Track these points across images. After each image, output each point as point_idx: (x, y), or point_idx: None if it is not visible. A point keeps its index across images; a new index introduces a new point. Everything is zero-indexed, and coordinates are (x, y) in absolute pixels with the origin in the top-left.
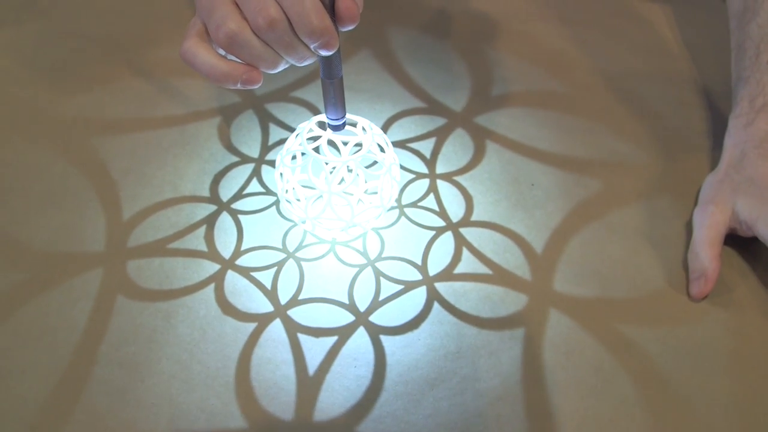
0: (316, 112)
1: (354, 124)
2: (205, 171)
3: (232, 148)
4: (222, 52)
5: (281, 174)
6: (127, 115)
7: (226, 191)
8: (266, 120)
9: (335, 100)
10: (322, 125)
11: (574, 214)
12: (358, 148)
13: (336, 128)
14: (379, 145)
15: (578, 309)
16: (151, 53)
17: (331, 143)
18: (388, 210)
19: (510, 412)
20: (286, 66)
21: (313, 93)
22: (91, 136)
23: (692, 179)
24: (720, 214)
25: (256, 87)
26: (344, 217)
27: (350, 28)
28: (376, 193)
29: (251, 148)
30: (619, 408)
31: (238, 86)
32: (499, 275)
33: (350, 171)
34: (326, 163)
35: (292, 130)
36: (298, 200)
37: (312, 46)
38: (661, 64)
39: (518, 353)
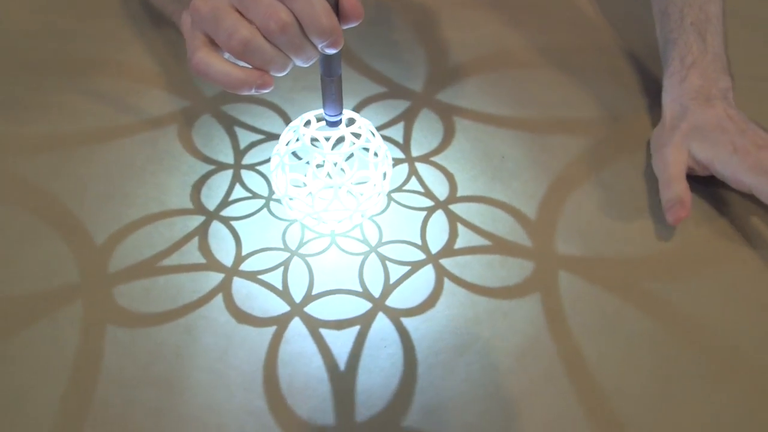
0: (275, 109)
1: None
2: (185, 182)
3: (202, 156)
4: (231, 59)
5: (277, 173)
6: (87, 136)
7: (210, 200)
8: (228, 123)
9: (335, 97)
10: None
11: (547, 178)
12: (342, 142)
13: (334, 124)
14: (371, 132)
15: (582, 266)
16: (91, 51)
17: (314, 139)
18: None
19: (535, 364)
20: (290, 69)
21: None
22: (41, 164)
23: (639, 135)
24: (678, 153)
25: (268, 90)
26: (350, 206)
27: (354, 24)
28: (365, 182)
29: (224, 154)
30: (633, 346)
31: (253, 92)
32: (498, 245)
33: (335, 164)
34: (323, 159)
35: (257, 131)
36: (291, 199)
37: (320, 46)
38: (590, 37)
39: (530, 312)
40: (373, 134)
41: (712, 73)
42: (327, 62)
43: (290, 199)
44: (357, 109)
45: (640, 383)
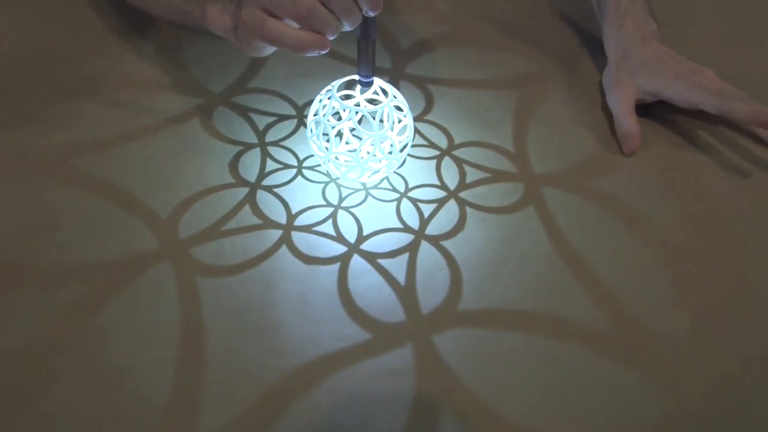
0: (279, 95)
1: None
2: (221, 163)
3: (229, 140)
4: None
5: (318, 135)
6: (115, 135)
7: (249, 174)
8: (242, 111)
9: (370, 59)
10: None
11: (524, 119)
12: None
13: (367, 85)
14: (383, 90)
15: (557, 179)
16: (87, 68)
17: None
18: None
19: (564, 264)
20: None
21: (268, 78)
22: (87, 164)
23: (588, 80)
24: (627, 90)
25: (326, 52)
26: (384, 158)
27: None
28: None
29: (247, 136)
30: (619, 240)
31: (315, 53)
32: (495, 175)
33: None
34: (365, 114)
35: (270, 114)
36: (334, 157)
37: (364, 9)
38: (527, 5)
39: (536, 226)
40: (395, 96)
41: (643, 18)
42: (365, 25)
43: (336, 158)
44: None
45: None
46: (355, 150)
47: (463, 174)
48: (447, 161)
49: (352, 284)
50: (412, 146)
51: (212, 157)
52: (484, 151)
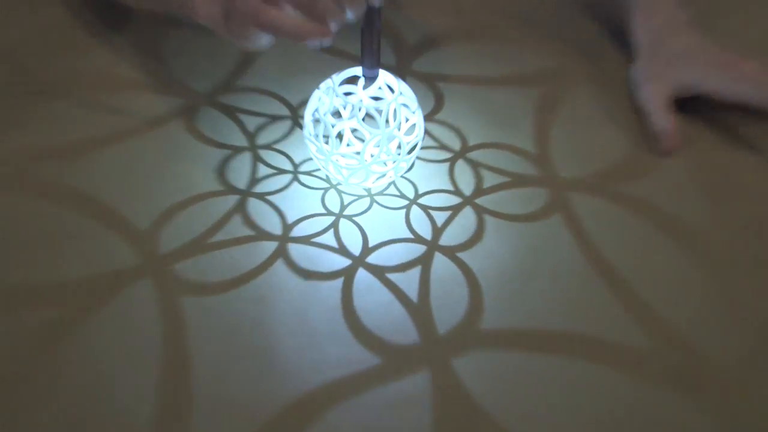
0: (271, 94)
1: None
2: (206, 170)
3: (216, 144)
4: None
5: (316, 135)
6: (86, 141)
7: (238, 181)
8: (230, 112)
9: (373, 50)
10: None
11: (545, 118)
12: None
13: (371, 79)
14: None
15: (586, 184)
16: (56, 67)
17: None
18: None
19: (597, 278)
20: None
21: (258, 76)
22: (61, 170)
23: (615, 75)
24: (662, 86)
25: (328, 42)
26: (391, 159)
27: None
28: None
29: (236, 138)
30: (658, 251)
31: (316, 43)
32: (516, 180)
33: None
34: (376, 109)
35: (261, 115)
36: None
37: None
38: None
39: (569, 232)
40: (402, 92)
41: (675, 4)
42: (369, 14)
43: (339, 157)
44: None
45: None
46: (359, 152)
47: (479, 178)
48: (461, 164)
49: (358, 301)
50: (422, 148)
51: (197, 163)
52: (502, 152)
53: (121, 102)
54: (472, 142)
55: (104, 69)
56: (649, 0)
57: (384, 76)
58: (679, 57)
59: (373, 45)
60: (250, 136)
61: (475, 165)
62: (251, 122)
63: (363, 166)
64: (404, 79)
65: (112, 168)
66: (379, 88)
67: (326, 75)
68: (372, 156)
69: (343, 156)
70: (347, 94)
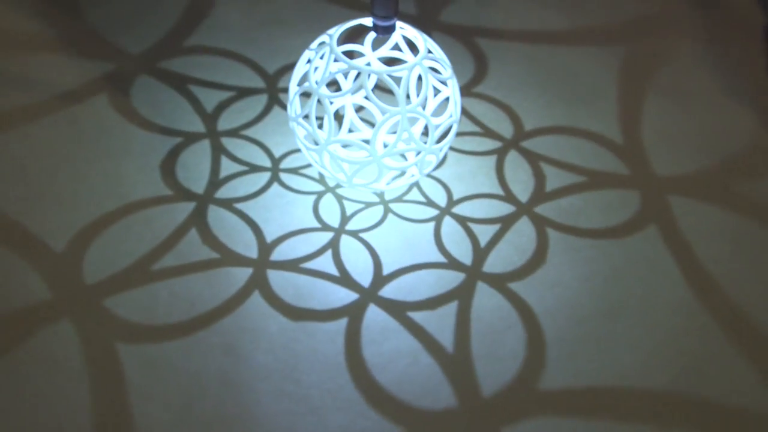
0: (235, 56)
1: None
2: (146, 165)
3: (160, 128)
4: None
5: (306, 115)
6: None
7: (194, 182)
8: (177, 83)
9: None
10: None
11: (635, 90)
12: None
13: (385, 31)
14: (409, 42)
15: (695, 185)
16: None
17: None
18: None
19: (710, 317)
20: None
21: (214, 32)
22: None
23: (741, 25)
24: None
25: None
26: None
27: None
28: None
29: (187, 121)
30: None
31: None
32: (594, 179)
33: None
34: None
35: (224, 87)
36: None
37: None
38: None
39: (670, 252)
40: (430, 51)
41: None
42: None
43: (336, 152)
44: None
45: None
46: (367, 140)
47: (540, 177)
48: (513, 157)
49: (369, 351)
50: (457, 134)
51: (132, 155)
52: (574, 140)
53: (21, 67)
54: (528, 126)
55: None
56: None
57: (403, 30)
58: None
59: None
60: (209, 118)
61: (533, 158)
62: (209, 98)
63: (374, 158)
64: (430, 35)
65: (12, 163)
66: (396, 46)
67: (315, 29)
68: (385, 146)
69: (344, 145)
70: (348, 55)
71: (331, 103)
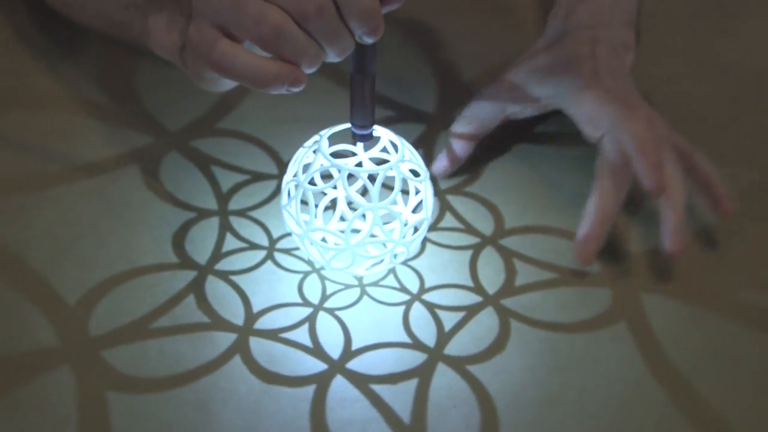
0: (259, 143)
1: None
2: (159, 236)
3: (174, 203)
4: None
5: (293, 204)
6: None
7: (198, 254)
8: (202, 162)
9: (366, 102)
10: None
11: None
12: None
13: (363, 138)
14: (410, 151)
15: (673, 286)
16: None
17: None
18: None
19: (640, 409)
20: (320, 64)
21: (243, 120)
22: None
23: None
24: (500, 98)
25: (300, 89)
26: (385, 245)
27: (394, 7)
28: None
29: (203, 199)
30: (753, 372)
31: (283, 90)
32: (566, 276)
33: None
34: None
35: (241, 171)
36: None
37: (358, 33)
38: None
39: (626, 351)
40: (413, 154)
41: (608, 19)
42: (360, 56)
43: (318, 234)
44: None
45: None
46: (343, 229)
47: (511, 272)
48: (488, 253)
49: (332, 417)
50: (438, 229)
51: (149, 225)
52: (548, 239)
53: (59, 140)
54: (509, 226)
55: (52, 88)
56: None
57: (384, 135)
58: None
59: (366, 94)
60: (222, 198)
61: (508, 254)
62: (226, 179)
63: (348, 247)
64: (440, 133)
65: (44, 223)
66: (385, 149)
67: (332, 124)
68: (356, 235)
69: (325, 232)
70: (346, 154)
71: (318, 192)
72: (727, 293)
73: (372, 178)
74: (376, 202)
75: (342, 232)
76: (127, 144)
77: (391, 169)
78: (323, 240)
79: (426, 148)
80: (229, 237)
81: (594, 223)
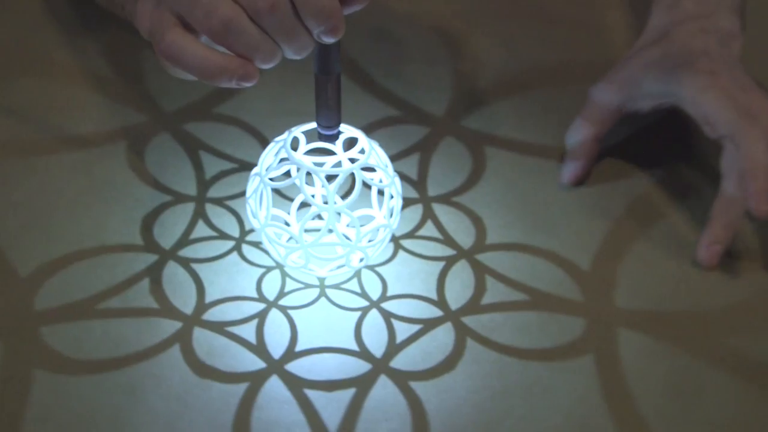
0: (253, 132)
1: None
2: (131, 217)
3: (154, 184)
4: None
5: (255, 198)
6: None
7: (164, 238)
8: (192, 146)
9: (331, 102)
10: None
11: (604, 224)
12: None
13: (328, 138)
14: (377, 154)
15: (649, 323)
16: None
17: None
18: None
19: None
20: (278, 61)
21: (243, 107)
22: None
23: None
24: (614, 92)
25: (251, 84)
26: (345, 245)
27: (358, 8)
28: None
29: (183, 184)
30: (723, 420)
31: (233, 84)
32: (538, 300)
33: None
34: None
35: (229, 159)
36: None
37: (316, 32)
38: None
39: (579, 385)
40: (384, 159)
41: (714, 7)
42: (323, 55)
43: (271, 229)
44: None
45: None
46: (315, 225)
47: (480, 289)
48: (461, 267)
49: (257, 415)
50: (415, 237)
51: (124, 206)
52: (530, 260)
53: (67, 108)
54: (490, 241)
55: (66, 59)
56: None
57: (359, 137)
58: (674, 57)
59: (330, 95)
60: (203, 184)
61: (481, 270)
62: (213, 165)
63: (301, 246)
64: (443, 138)
65: (23, 192)
66: (362, 150)
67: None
68: (308, 235)
69: (281, 229)
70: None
71: (268, 186)
72: (707, 337)
73: (332, 178)
74: (332, 202)
75: (308, 231)
76: (121, 121)
77: (354, 171)
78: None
79: (424, 151)
80: (200, 224)
81: (717, 227)
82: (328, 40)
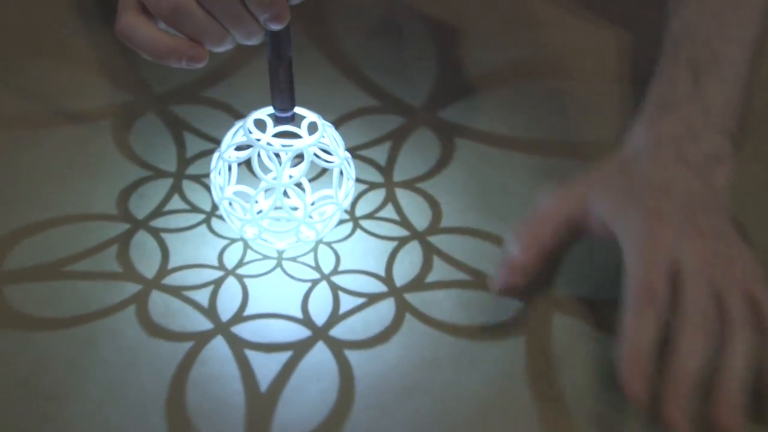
0: (238, 116)
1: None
2: (111, 189)
3: (140, 162)
4: (164, 27)
5: (220, 171)
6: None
7: (140, 209)
8: (176, 126)
9: (283, 86)
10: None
11: None
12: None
13: (284, 120)
14: (334, 138)
15: (585, 309)
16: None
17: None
18: (339, 223)
19: (500, 415)
20: (232, 45)
21: (230, 91)
22: None
23: None
24: (562, 202)
25: (201, 65)
26: (297, 215)
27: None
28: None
29: (165, 161)
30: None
31: (183, 64)
32: (480, 281)
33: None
34: (276, 154)
35: (211, 140)
36: (230, 203)
37: (261, 18)
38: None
39: (506, 359)
40: (336, 141)
41: (699, 129)
42: (274, 41)
43: (229, 203)
44: (338, 122)
45: None
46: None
47: (426, 268)
48: (412, 247)
49: (197, 370)
50: (375, 218)
51: (105, 178)
52: (478, 244)
53: (67, 82)
54: (445, 223)
55: (75, 42)
56: (663, 101)
57: (315, 119)
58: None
59: (282, 79)
60: (184, 162)
61: (430, 251)
62: (195, 146)
63: (253, 218)
64: (417, 128)
65: (16, 163)
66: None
67: (322, 107)
68: (261, 209)
69: (236, 202)
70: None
71: (222, 159)
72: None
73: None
74: (280, 178)
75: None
76: (117, 100)
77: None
78: (230, 205)
79: (396, 140)
80: (176, 198)
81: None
82: (274, 26)
